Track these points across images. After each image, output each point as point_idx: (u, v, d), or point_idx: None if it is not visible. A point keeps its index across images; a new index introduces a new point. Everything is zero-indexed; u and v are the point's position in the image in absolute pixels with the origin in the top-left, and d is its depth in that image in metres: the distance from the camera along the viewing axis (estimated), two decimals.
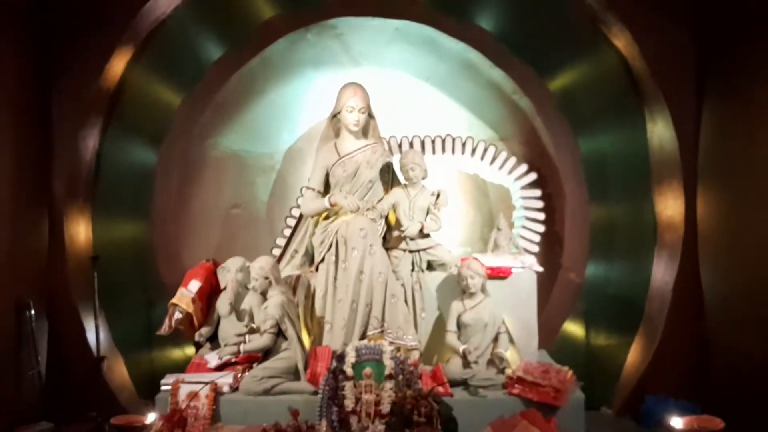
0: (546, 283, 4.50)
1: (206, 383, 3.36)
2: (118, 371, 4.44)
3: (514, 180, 4.69)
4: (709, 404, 3.87)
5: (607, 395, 4.47)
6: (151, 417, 2.94)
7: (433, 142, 4.64)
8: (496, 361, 3.52)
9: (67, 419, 3.95)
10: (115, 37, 4.30)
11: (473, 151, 4.67)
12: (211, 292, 3.97)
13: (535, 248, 4.57)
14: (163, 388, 3.45)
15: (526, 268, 3.90)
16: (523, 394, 3.31)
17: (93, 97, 4.33)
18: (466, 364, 3.50)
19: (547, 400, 3.25)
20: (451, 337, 3.62)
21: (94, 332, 4.17)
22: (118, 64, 4.44)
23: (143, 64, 4.52)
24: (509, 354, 3.58)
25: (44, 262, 4.26)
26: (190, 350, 4.34)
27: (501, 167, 4.67)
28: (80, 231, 4.44)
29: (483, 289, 3.66)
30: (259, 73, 4.77)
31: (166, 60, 4.56)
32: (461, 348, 3.53)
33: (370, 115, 4.08)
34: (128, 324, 4.54)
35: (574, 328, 4.71)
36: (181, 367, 3.92)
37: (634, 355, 4.48)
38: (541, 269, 3.99)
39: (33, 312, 4.01)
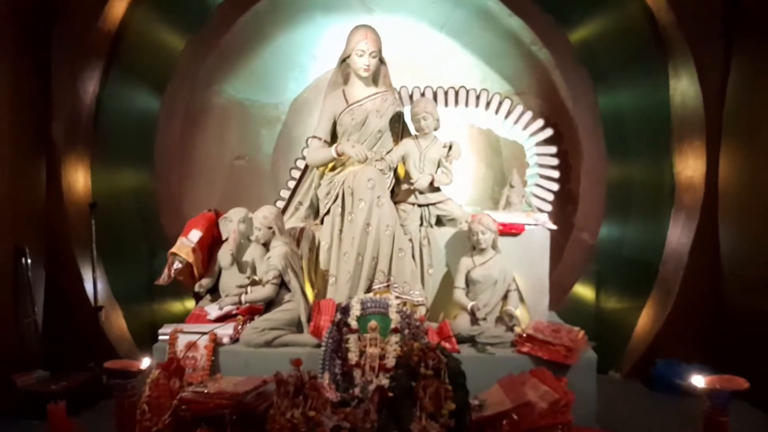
0: (558, 243, 4.38)
1: (205, 333, 3.28)
2: (117, 323, 4.39)
3: (529, 135, 4.54)
4: (722, 370, 3.76)
5: (616, 359, 4.39)
6: (146, 362, 2.84)
7: (446, 93, 4.47)
8: (505, 319, 3.41)
9: (64, 368, 3.88)
10: None
11: (487, 104, 4.50)
12: (212, 242, 3.87)
13: (548, 207, 4.44)
14: (160, 337, 3.37)
15: (540, 225, 3.75)
16: (532, 352, 3.20)
17: (93, 40, 4.21)
18: (474, 321, 3.39)
19: (558, 358, 3.14)
20: (459, 294, 3.51)
21: (92, 282, 4.08)
22: (119, 5, 4.29)
23: (145, 5, 4.38)
24: (518, 312, 3.47)
25: (42, 209, 4.18)
26: (190, 303, 4.26)
27: (516, 122, 4.50)
28: (79, 178, 4.35)
29: (494, 246, 3.54)
30: (267, 17, 4.61)
31: (170, 1, 4.41)
32: (469, 305, 3.42)
33: (381, 61, 3.89)
34: (128, 274, 4.48)
35: (584, 290, 4.64)
36: (182, 319, 3.82)
37: (646, 319, 4.40)
38: (554, 227, 3.86)
39: (29, 260, 3.93)
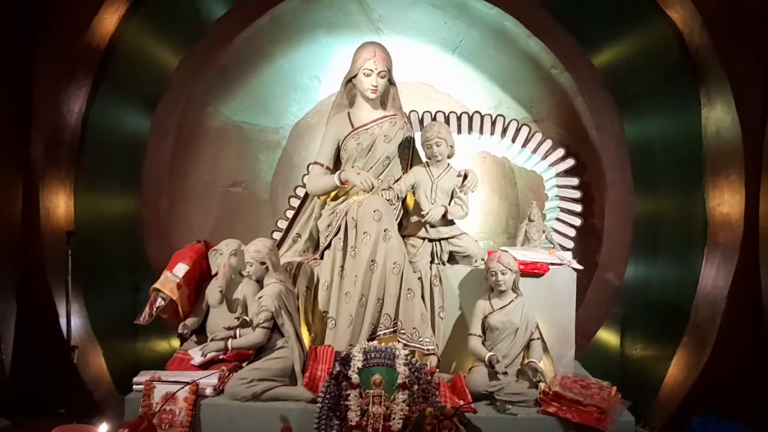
0: (580, 284, 4.00)
1: (185, 384, 2.92)
2: (96, 363, 4.07)
3: (548, 166, 4.23)
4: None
5: (643, 413, 4.00)
6: (103, 429, 2.44)
7: (458, 118, 4.17)
8: (529, 373, 3.02)
9: (35, 415, 3.55)
10: None
11: (504, 131, 4.19)
12: (200, 277, 3.56)
13: (570, 244, 4.11)
14: (135, 387, 3.02)
15: (565, 264, 3.40)
16: (560, 413, 2.82)
17: (80, 55, 4.00)
18: (493, 374, 3.00)
19: (590, 422, 2.77)
20: (475, 342, 3.14)
21: (66, 318, 3.75)
22: (109, 19, 4.09)
23: (138, 18, 4.18)
24: (543, 365, 3.09)
25: (16, 237, 3.87)
26: (177, 342, 3.90)
27: (534, 151, 4.19)
28: (59, 204, 4.09)
29: (515, 287, 3.19)
30: (267, 35, 4.35)
31: (164, 15, 4.23)
32: (487, 355, 3.04)
33: (391, 82, 3.60)
34: (110, 310, 4.18)
35: (607, 336, 4.34)
36: (168, 360, 3.47)
37: (677, 369, 4.07)
38: (580, 267, 3.52)
39: None
